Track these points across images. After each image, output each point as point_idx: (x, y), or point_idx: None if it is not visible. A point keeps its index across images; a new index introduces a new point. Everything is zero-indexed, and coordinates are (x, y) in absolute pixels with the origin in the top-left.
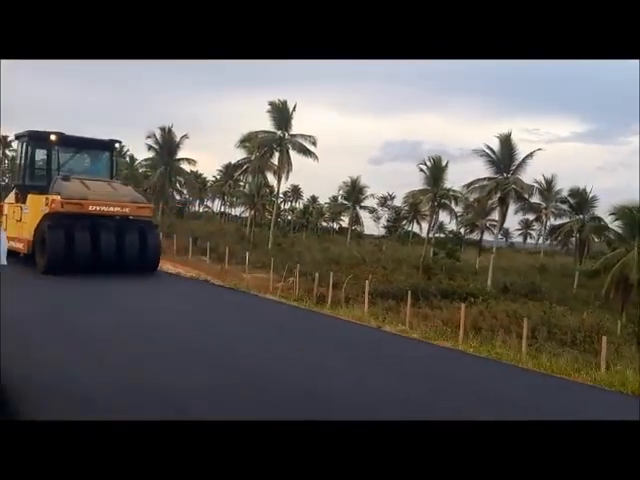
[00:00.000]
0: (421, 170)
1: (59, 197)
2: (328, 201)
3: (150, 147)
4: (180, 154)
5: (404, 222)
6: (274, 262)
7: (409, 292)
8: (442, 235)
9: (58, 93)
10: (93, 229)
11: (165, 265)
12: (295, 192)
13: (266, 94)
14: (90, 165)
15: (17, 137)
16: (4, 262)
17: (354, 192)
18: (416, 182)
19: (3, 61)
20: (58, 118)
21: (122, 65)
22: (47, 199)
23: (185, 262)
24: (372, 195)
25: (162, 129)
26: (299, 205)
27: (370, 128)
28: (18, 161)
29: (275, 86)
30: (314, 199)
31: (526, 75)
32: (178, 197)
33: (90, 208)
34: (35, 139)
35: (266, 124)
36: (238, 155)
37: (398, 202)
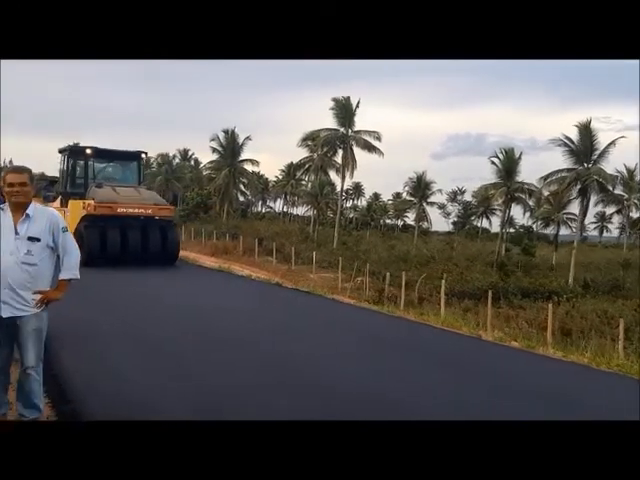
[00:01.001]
0: (492, 163)
1: (93, 201)
2: (391, 198)
3: (214, 150)
4: (243, 155)
5: (472, 217)
6: (338, 262)
7: (490, 292)
8: (512, 230)
9: (123, 97)
10: (122, 228)
11: (233, 266)
12: (356, 189)
13: (326, 93)
14: (121, 173)
15: (60, 151)
16: (78, 276)
17: (420, 188)
18: (480, 176)
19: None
20: (123, 122)
21: (183, 68)
22: (84, 203)
23: (252, 263)
24: (440, 190)
25: (225, 131)
26: (360, 203)
27: (431, 122)
28: (61, 171)
29: (335, 84)
30: (376, 196)
31: (591, 62)
32: (242, 198)
33: (119, 210)
34: (74, 153)
35: (327, 123)
36: (300, 155)
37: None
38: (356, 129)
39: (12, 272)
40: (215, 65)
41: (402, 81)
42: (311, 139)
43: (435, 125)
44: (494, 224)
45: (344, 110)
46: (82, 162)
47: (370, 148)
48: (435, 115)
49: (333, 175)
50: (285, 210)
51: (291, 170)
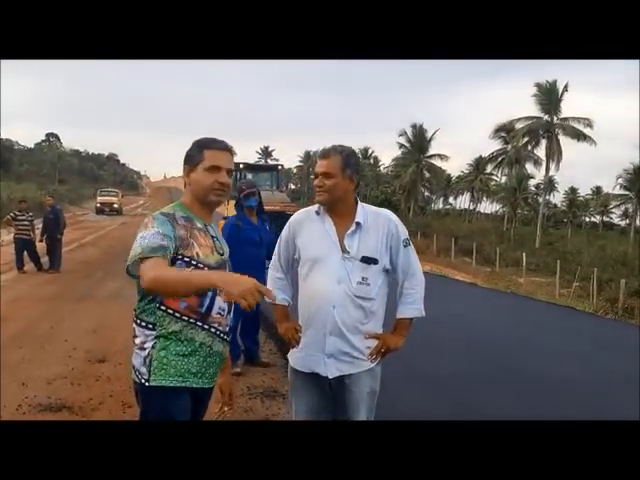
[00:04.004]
0: None
1: None
2: (589, 192)
3: (401, 145)
4: (430, 151)
5: None
6: (547, 264)
7: None
8: None
9: (308, 99)
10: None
11: (424, 267)
12: (549, 183)
13: (517, 82)
14: (263, 181)
15: None
16: (424, 312)
17: (638, 180)
18: None
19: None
20: (305, 124)
21: (360, 69)
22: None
23: (448, 264)
24: None
25: (413, 126)
26: (553, 198)
27: (633, 107)
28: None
29: (527, 71)
30: (573, 190)
31: None
32: (427, 194)
33: None
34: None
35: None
36: (481, 150)
37: None
38: (563, 116)
39: (342, 309)
40: (392, 64)
41: (595, 64)
42: (505, 130)
43: (637, 110)
44: None
45: (549, 95)
46: (238, 173)
47: (579, 136)
48: (636, 99)
49: (530, 168)
50: (470, 207)
51: (480, 164)
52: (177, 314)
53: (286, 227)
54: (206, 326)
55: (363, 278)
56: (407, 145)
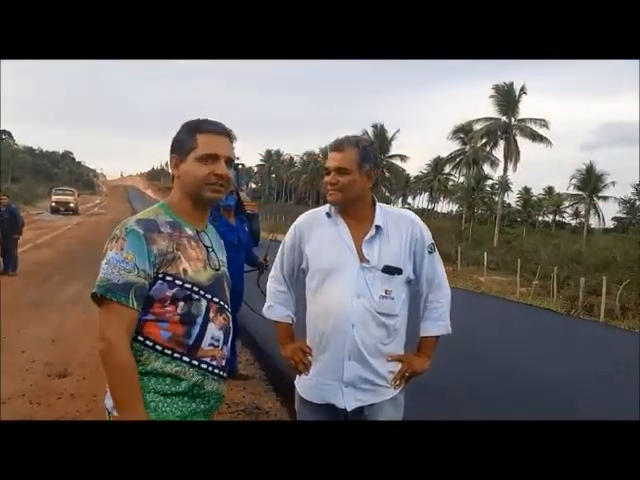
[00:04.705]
0: None
1: None
2: (542, 192)
3: None
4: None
5: None
6: (507, 262)
7: None
8: None
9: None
10: None
11: None
12: (503, 184)
13: (462, 86)
14: None
15: None
16: (450, 328)
17: (590, 181)
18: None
19: None
20: (273, 123)
21: (326, 72)
22: None
23: None
24: (613, 183)
25: (374, 126)
26: (507, 197)
27: (581, 110)
28: None
29: (474, 76)
30: (527, 190)
31: None
32: (387, 194)
33: None
34: None
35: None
36: (439, 151)
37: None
38: (521, 117)
39: (362, 328)
40: (356, 65)
41: (547, 67)
42: (463, 131)
43: (587, 113)
44: None
45: (507, 97)
46: None
47: (536, 137)
48: (588, 102)
49: (487, 169)
50: (429, 207)
51: (439, 165)
52: (158, 347)
53: (290, 231)
54: (195, 362)
55: (387, 291)
56: None
